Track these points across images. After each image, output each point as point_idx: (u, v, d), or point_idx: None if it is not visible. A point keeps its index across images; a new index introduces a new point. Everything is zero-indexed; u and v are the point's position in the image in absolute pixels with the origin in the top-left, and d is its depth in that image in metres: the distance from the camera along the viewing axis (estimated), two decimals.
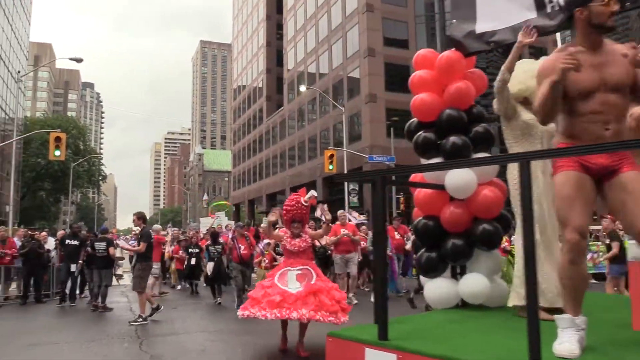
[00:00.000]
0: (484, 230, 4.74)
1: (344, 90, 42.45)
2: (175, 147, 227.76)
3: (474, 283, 4.68)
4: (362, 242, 11.72)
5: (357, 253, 11.31)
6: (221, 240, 12.51)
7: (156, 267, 12.07)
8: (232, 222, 21.29)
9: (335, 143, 39.50)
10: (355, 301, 10.19)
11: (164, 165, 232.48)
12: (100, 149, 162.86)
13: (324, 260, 10.89)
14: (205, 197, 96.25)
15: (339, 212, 11.44)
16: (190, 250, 13.50)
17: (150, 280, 12.24)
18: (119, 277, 16.83)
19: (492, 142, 4.98)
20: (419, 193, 5.23)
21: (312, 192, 6.59)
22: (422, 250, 5.11)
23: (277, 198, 58.80)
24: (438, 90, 5.31)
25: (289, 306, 5.80)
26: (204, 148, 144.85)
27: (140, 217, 9.39)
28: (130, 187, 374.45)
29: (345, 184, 31.42)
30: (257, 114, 64.61)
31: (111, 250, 10.68)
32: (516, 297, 4.15)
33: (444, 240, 4.86)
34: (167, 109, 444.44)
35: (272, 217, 6.99)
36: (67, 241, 11.74)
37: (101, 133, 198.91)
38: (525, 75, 4.36)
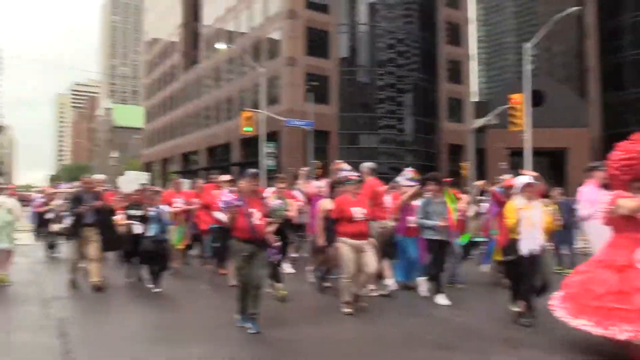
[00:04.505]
0: None
1: (264, 52, 41.73)
2: (82, 99, 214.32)
3: None
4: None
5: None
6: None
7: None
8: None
9: (253, 105, 38.94)
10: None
11: (70, 118, 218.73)
12: None
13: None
14: (115, 154, 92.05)
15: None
16: (131, 212, 8.71)
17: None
18: None
19: None
20: None
21: None
22: None
23: (191, 158, 57.44)
24: None
25: None
26: (113, 102, 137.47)
27: None
28: (32, 140, 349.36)
29: (262, 146, 31.15)
30: (172, 69, 62.12)
31: None
32: None
33: None
34: (74, 58, 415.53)
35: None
36: None
37: None
38: None
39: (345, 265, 6.58)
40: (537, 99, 37.76)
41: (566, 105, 41.76)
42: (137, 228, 8.32)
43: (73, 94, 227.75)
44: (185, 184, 13.18)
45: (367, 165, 8.13)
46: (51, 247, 12.15)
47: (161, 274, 8.04)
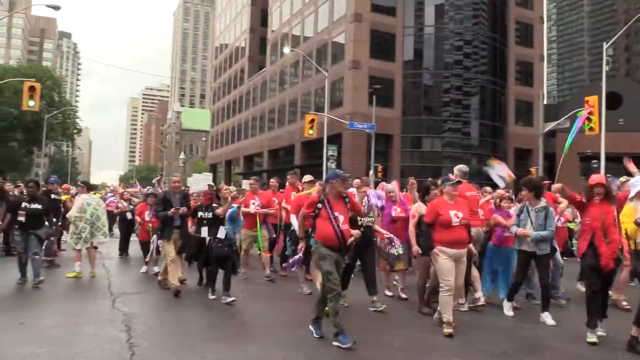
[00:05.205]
0: None
1: (328, 55, 41.91)
2: (153, 103, 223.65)
3: None
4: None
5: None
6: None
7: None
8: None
9: (316, 108, 39.23)
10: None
11: (141, 121, 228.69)
12: (76, 101, 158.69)
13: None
14: (182, 156, 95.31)
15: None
16: (200, 214, 7.97)
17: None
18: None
19: None
20: None
21: None
22: None
23: (254, 160, 58.52)
24: None
25: None
26: (182, 106, 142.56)
27: None
28: (105, 141, 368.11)
29: (324, 149, 31.29)
30: (239, 74, 63.60)
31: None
32: None
33: None
34: (146, 64, 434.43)
35: None
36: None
37: (77, 85, 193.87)
38: None
39: (444, 277, 5.86)
40: (614, 101, 35.85)
41: None
42: (204, 231, 7.83)
43: (145, 98, 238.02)
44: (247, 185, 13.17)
45: (459, 167, 7.55)
46: (124, 246, 12.45)
47: (230, 280, 7.44)
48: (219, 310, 6.95)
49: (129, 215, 12.47)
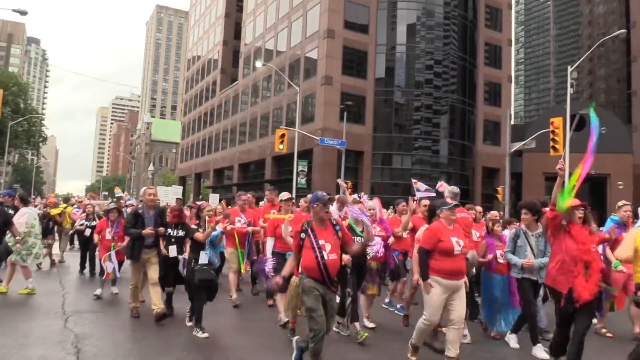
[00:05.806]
0: None
1: (300, 70, 42.00)
2: (123, 113, 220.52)
3: None
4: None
5: None
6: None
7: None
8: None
9: (288, 123, 39.15)
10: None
11: (110, 131, 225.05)
12: (43, 109, 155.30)
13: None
14: (151, 167, 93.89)
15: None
16: (169, 231, 7.40)
17: None
18: None
19: None
20: None
21: None
22: None
23: (224, 174, 57.98)
24: None
25: None
26: (153, 117, 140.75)
27: None
28: (72, 150, 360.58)
29: (295, 164, 31.21)
30: (210, 86, 63.19)
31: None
32: None
33: None
34: (117, 73, 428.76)
35: None
36: None
37: (45, 92, 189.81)
38: None
39: (431, 308, 5.26)
40: (578, 123, 36.77)
41: (609, 130, 40.55)
42: (172, 250, 7.12)
43: (115, 107, 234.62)
44: (215, 199, 12.93)
45: (451, 189, 7.02)
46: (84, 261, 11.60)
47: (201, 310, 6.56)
48: (180, 331, 6.66)
49: (87, 232, 11.55)
